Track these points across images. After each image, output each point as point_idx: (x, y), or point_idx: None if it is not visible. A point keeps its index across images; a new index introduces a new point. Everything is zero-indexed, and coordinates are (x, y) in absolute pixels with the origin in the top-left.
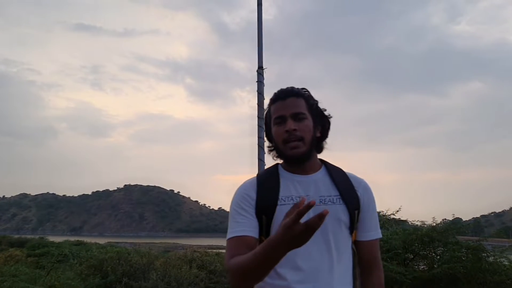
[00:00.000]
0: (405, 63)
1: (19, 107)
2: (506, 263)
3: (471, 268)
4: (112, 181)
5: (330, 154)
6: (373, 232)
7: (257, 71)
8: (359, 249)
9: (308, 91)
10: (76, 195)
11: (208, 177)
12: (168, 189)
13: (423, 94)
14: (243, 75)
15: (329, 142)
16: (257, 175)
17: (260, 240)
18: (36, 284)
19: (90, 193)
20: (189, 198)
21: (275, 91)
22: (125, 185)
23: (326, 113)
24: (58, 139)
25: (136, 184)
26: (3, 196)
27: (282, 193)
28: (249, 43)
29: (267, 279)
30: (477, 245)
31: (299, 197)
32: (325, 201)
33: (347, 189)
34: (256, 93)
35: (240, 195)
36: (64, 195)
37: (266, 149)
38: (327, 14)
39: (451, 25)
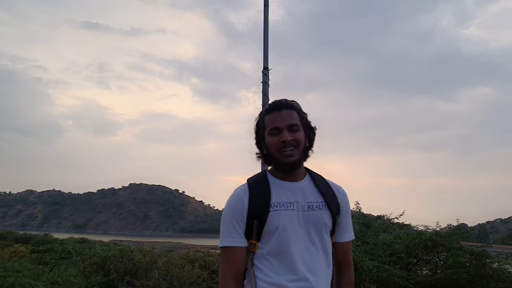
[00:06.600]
0: (413, 67)
1: (25, 104)
2: (511, 269)
3: (474, 274)
4: (118, 179)
5: (336, 156)
6: (347, 235)
7: (262, 72)
8: (335, 250)
9: (298, 104)
10: (82, 193)
11: (213, 177)
12: (173, 188)
13: (430, 98)
14: (249, 76)
15: (315, 150)
16: (248, 181)
17: (250, 244)
18: (39, 280)
19: (95, 191)
20: (193, 198)
21: (271, 101)
22: (130, 183)
23: (312, 124)
24: (64, 137)
25: (141, 183)
26: (9, 192)
27: (274, 199)
28: (256, 43)
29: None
30: (481, 251)
31: (289, 203)
32: (312, 207)
33: (330, 196)
34: (262, 94)
35: (233, 203)
36: (69, 192)
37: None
38: (335, 15)
39: (459, 29)
